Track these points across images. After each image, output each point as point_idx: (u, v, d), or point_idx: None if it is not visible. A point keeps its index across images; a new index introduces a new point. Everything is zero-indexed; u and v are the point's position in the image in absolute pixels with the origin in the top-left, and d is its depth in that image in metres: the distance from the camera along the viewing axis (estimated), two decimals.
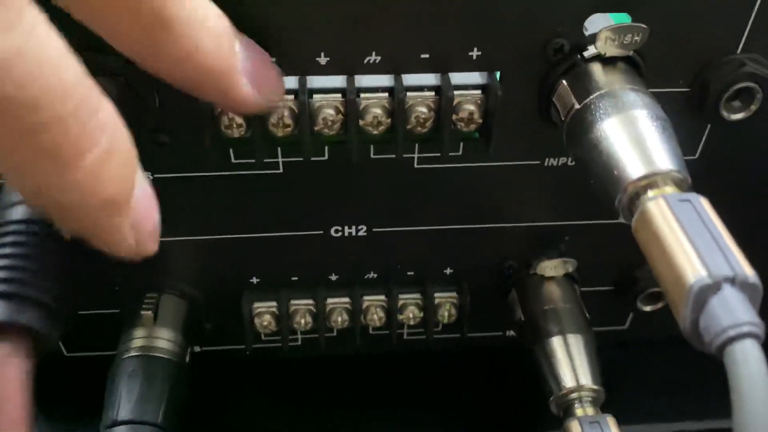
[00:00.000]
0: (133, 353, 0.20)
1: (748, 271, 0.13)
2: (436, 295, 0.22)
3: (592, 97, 0.16)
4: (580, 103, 0.17)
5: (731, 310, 0.12)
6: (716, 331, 0.12)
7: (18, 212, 0.13)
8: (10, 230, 0.13)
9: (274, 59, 0.17)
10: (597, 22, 0.17)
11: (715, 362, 0.12)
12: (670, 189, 0.15)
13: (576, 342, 0.21)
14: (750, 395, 0.12)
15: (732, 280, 0.13)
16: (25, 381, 0.12)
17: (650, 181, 0.15)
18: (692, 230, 0.13)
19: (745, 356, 0.12)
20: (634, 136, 0.15)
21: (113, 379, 0.19)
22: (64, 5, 0.13)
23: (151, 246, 0.14)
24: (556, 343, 0.21)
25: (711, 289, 0.13)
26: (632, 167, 0.15)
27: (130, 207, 0.13)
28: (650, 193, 0.15)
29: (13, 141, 0.11)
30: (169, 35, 0.13)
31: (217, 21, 0.15)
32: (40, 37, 0.10)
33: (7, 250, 0.13)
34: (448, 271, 0.22)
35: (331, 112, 0.17)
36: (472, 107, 0.18)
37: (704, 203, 0.14)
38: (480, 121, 0.18)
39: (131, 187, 0.13)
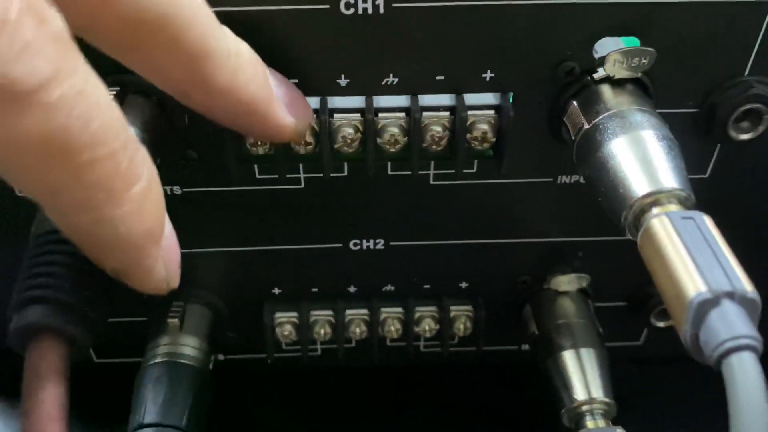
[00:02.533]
0: (159, 359, 0.21)
1: (747, 287, 0.13)
2: (451, 308, 0.23)
3: (600, 117, 0.17)
4: (589, 123, 0.17)
5: (730, 324, 0.13)
6: (715, 343, 0.13)
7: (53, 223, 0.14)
8: (48, 239, 0.14)
9: (296, 81, 0.18)
10: (606, 45, 0.17)
11: None
12: (674, 207, 0.15)
13: (588, 356, 0.21)
14: (747, 406, 0.12)
15: (731, 295, 0.13)
16: (62, 381, 0.13)
17: (655, 198, 0.15)
18: (694, 246, 0.14)
19: (742, 368, 0.12)
20: (640, 156, 0.16)
21: (140, 385, 0.20)
22: (108, 50, 0.13)
23: (177, 279, 0.15)
24: (569, 356, 0.21)
25: (711, 303, 0.13)
26: (638, 185, 0.15)
27: (163, 239, 0.14)
28: (654, 211, 0.15)
29: (71, 177, 0.11)
30: (209, 68, 0.14)
31: (251, 52, 0.15)
32: (95, 81, 0.11)
33: (45, 258, 0.14)
34: (464, 284, 0.23)
35: (350, 131, 0.18)
36: (485, 127, 0.18)
37: (707, 221, 0.15)
38: (493, 140, 0.18)
39: (164, 219, 0.14)
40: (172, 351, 0.21)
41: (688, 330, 0.13)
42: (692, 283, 0.13)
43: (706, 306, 0.13)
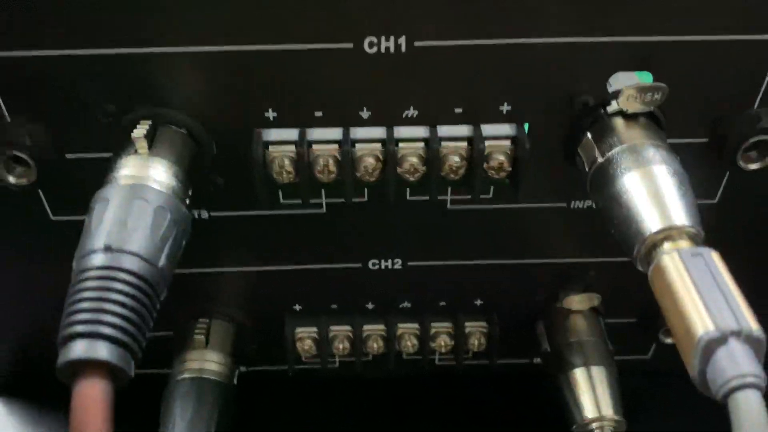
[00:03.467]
0: (186, 375, 0.22)
1: (753, 326, 0.14)
2: (466, 324, 0.24)
3: (614, 151, 0.18)
4: (602, 157, 0.18)
5: (736, 362, 0.13)
6: (722, 381, 0.13)
7: (97, 259, 0.15)
8: (92, 275, 0.15)
9: (320, 113, 0.18)
10: (620, 80, 0.18)
11: None
12: (684, 243, 0.16)
13: (599, 374, 0.22)
14: None
15: (738, 334, 0.14)
16: (107, 415, 0.13)
17: (666, 234, 0.16)
18: (703, 285, 0.15)
19: (747, 405, 0.13)
20: (653, 191, 0.16)
21: (168, 401, 0.21)
22: None
23: None
24: (580, 374, 0.22)
25: (718, 341, 0.14)
26: (650, 221, 0.16)
27: None
28: (666, 247, 0.16)
29: None
30: None
31: None
32: None
33: (91, 293, 0.14)
34: (479, 302, 0.23)
35: (372, 160, 0.19)
36: (502, 157, 0.19)
37: (715, 258, 0.15)
38: (509, 169, 0.19)
39: None
40: (198, 367, 0.22)
41: (696, 366, 0.14)
42: (701, 321, 0.14)
43: (713, 344, 0.14)
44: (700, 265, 0.15)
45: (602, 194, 0.17)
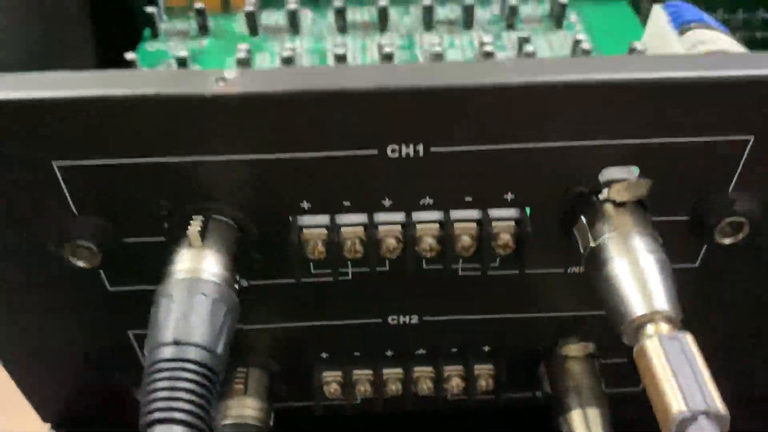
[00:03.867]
0: (228, 421, 0.24)
1: (719, 406, 0.17)
2: (475, 367, 0.27)
3: (604, 237, 0.20)
4: (594, 242, 0.20)
5: None
6: None
7: (167, 352, 0.17)
8: (162, 367, 0.17)
9: (348, 203, 0.21)
10: (610, 173, 0.21)
11: None
12: (664, 325, 0.18)
13: (593, 415, 0.25)
14: None
15: (707, 413, 0.17)
16: None
17: (650, 317, 0.19)
18: (678, 368, 0.17)
19: None
20: (638, 278, 0.19)
21: None
22: None
23: None
24: (576, 415, 0.25)
25: (689, 420, 0.17)
26: (636, 305, 0.19)
27: None
28: (649, 329, 0.18)
29: None
30: None
31: None
32: None
33: (160, 384, 0.17)
34: (487, 348, 0.26)
35: (393, 242, 0.21)
36: (507, 237, 0.22)
37: (689, 341, 0.18)
38: (514, 246, 0.22)
39: None
40: (238, 413, 0.25)
41: None
42: (675, 402, 0.17)
43: (685, 422, 0.17)
44: (677, 348, 0.18)
45: (595, 275, 0.20)
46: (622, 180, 0.20)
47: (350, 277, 0.23)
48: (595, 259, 0.20)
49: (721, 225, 0.21)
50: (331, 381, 0.27)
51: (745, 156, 0.20)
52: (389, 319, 0.25)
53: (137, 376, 0.23)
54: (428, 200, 0.21)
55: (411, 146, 0.20)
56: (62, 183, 0.20)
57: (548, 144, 0.20)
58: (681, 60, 0.19)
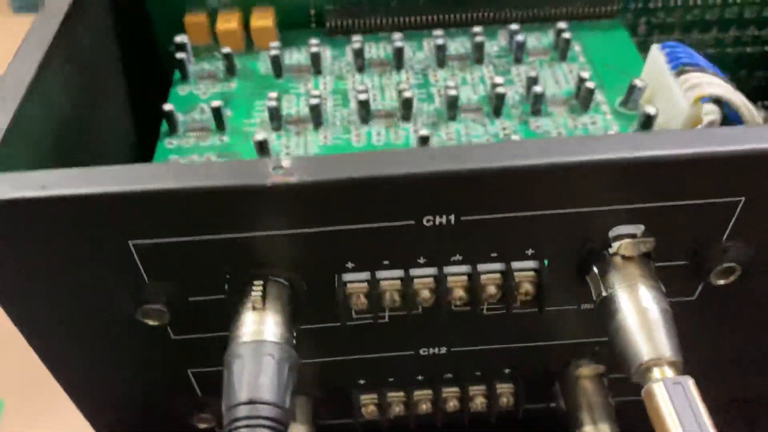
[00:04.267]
0: None
1: None
2: (497, 386, 0.30)
3: (615, 288, 0.23)
4: (606, 291, 0.23)
5: None
6: None
7: (243, 411, 0.20)
8: (239, 425, 0.20)
9: (387, 262, 0.24)
10: (619, 231, 0.23)
11: None
12: (669, 370, 0.21)
13: (604, 429, 0.28)
14: None
15: None
16: None
17: (656, 362, 0.21)
18: (681, 411, 0.20)
19: None
20: (645, 327, 0.22)
21: None
22: None
23: None
24: (589, 429, 0.28)
25: None
26: (644, 351, 0.22)
27: None
28: (655, 373, 0.21)
29: None
30: None
31: None
32: None
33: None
34: (507, 370, 0.29)
35: (427, 293, 0.24)
36: (528, 286, 0.24)
37: (691, 385, 0.21)
38: (534, 293, 0.25)
39: None
40: None
41: None
42: None
43: None
44: (680, 392, 0.21)
45: (606, 323, 0.23)
46: (629, 237, 0.23)
47: (387, 320, 0.26)
48: (607, 308, 0.23)
49: (716, 270, 0.24)
50: (368, 403, 0.30)
51: (737, 214, 0.23)
52: (420, 351, 0.28)
53: (193, 405, 0.26)
54: (458, 257, 0.24)
55: (444, 216, 0.22)
56: (136, 257, 0.23)
57: (563, 210, 0.22)
58: (681, 137, 0.22)
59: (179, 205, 0.21)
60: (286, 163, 0.21)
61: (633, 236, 0.23)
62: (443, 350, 0.28)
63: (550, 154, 0.21)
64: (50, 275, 0.23)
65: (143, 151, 0.34)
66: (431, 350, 0.28)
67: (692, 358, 0.22)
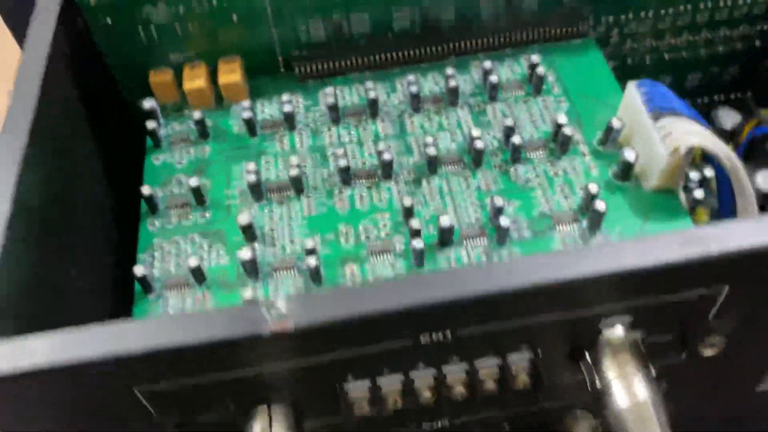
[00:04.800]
0: None
1: None
2: None
3: (608, 379, 0.24)
4: (600, 382, 0.24)
5: None
6: None
7: None
8: None
9: (389, 369, 0.24)
10: (607, 323, 0.24)
11: None
12: None
13: None
14: None
15: None
16: None
17: None
18: None
19: None
20: (639, 418, 0.23)
21: None
22: None
23: None
24: None
25: None
26: None
27: None
28: None
29: None
30: None
31: None
32: None
33: None
34: (507, 428, 0.31)
35: (428, 394, 0.25)
36: (524, 376, 0.25)
37: None
38: (530, 382, 0.25)
39: None
40: None
41: None
42: None
43: None
44: None
45: (601, 411, 0.24)
46: (618, 330, 0.24)
47: (392, 414, 0.27)
48: (602, 398, 0.24)
49: (702, 344, 0.25)
50: None
51: (722, 299, 0.24)
52: (423, 425, 0.29)
53: None
54: (456, 360, 0.25)
55: (440, 333, 0.23)
56: (142, 398, 0.23)
57: (550, 317, 0.23)
58: (668, 242, 0.22)
59: (180, 358, 0.21)
60: (281, 304, 0.21)
61: (622, 328, 0.24)
62: (446, 422, 0.29)
63: (538, 274, 0.22)
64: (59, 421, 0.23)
65: (122, 228, 0.33)
66: (434, 425, 0.29)
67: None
